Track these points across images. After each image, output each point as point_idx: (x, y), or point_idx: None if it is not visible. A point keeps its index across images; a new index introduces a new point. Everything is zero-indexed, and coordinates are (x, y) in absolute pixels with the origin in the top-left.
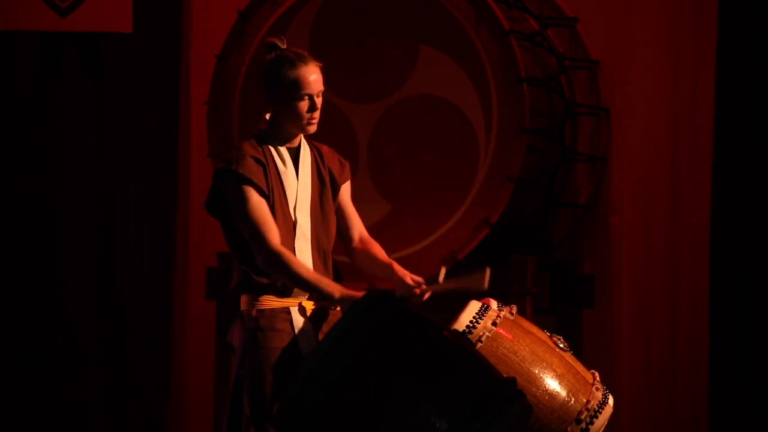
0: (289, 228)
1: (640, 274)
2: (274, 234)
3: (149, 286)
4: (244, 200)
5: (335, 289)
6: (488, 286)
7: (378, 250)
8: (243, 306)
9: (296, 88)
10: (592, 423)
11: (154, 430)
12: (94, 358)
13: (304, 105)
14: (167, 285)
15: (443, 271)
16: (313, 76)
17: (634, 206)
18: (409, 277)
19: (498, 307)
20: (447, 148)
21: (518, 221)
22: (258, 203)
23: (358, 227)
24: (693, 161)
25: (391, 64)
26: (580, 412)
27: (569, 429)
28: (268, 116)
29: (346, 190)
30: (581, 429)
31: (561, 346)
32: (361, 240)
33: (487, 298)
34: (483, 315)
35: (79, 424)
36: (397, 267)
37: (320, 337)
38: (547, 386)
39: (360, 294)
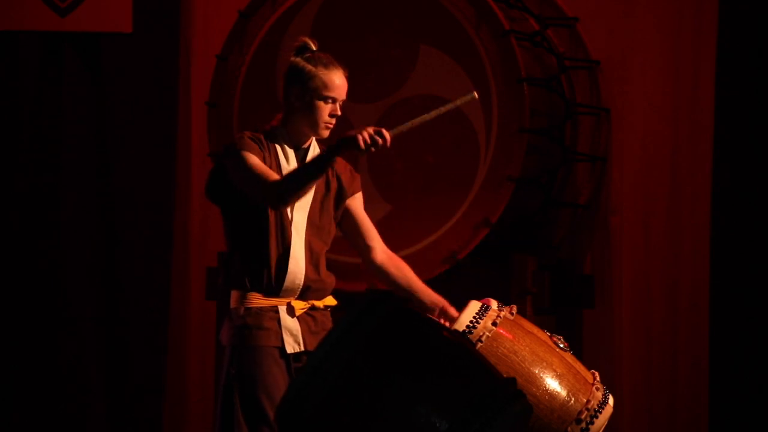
0: (285, 225)
1: (640, 274)
2: (273, 175)
3: (149, 286)
4: (243, 159)
5: (329, 147)
6: (477, 94)
7: (399, 274)
8: (232, 303)
9: (324, 89)
10: (592, 423)
11: (154, 430)
12: (94, 358)
13: (327, 108)
14: (167, 285)
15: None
16: (341, 81)
17: (634, 206)
18: (440, 302)
19: (498, 307)
20: (447, 148)
21: (518, 221)
22: (257, 161)
23: (378, 242)
24: (693, 161)
25: (391, 64)
26: (580, 412)
27: (569, 429)
28: (279, 115)
29: (357, 203)
30: (581, 429)
31: (561, 346)
32: (382, 254)
33: (487, 298)
34: (483, 315)
35: (79, 424)
36: (423, 292)
37: (308, 337)
38: (547, 386)
39: (355, 132)
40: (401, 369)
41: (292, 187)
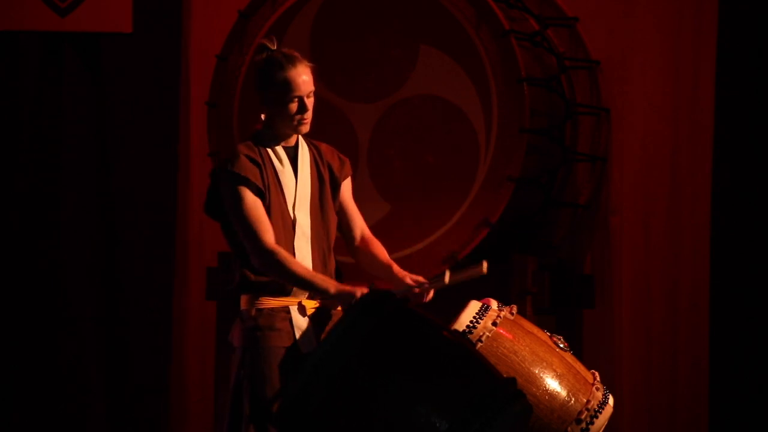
0: (288, 227)
1: (640, 274)
2: (268, 234)
3: (149, 286)
4: (239, 200)
5: (331, 285)
6: (488, 271)
7: (379, 250)
8: (243, 305)
9: (286, 90)
10: (592, 423)
11: (154, 430)
12: (94, 358)
13: (294, 106)
14: (167, 285)
15: (447, 273)
16: (302, 78)
17: (634, 206)
18: (408, 278)
19: (498, 307)
20: (447, 148)
21: (518, 221)
22: (253, 203)
23: (359, 225)
24: (693, 161)
25: (391, 64)
26: (580, 412)
27: (569, 429)
28: (263, 117)
29: (347, 188)
30: (581, 429)
31: (561, 346)
32: (363, 239)
33: (487, 298)
34: (483, 315)
35: (79, 424)
36: (396, 268)
37: (320, 336)
38: (547, 386)
39: (356, 289)
40: (401, 369)
41: (275, 273)
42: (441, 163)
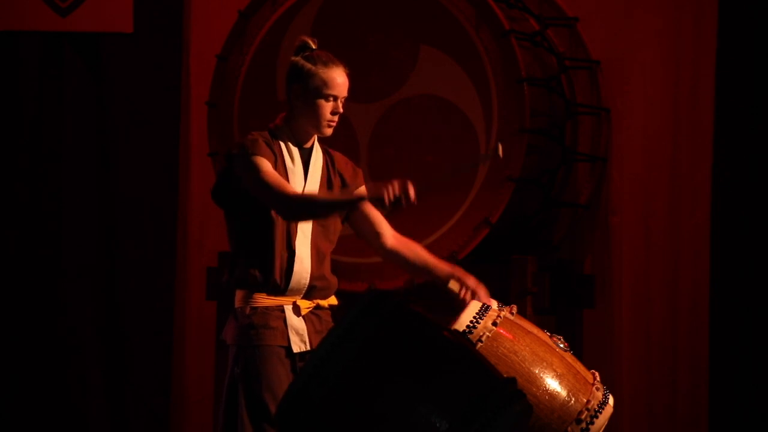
0: (291, 225)
1: (640, 274)
2: (288, 186)
3: (149, 287)
4: (257, 169)
5: (359, 192)
6: (503, 154)
7: (412, 255)
8: (237, 303)
9: (324, 87)
10: (592, 423)
11: (154, 429)
12: (94, 358)
13: (329, 106)
14: (167, 285)
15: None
16: (342, 79)
17: (634, 206)
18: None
19: (498, 307)
20: (447, 148)
21: (518, 221)
22: (270, 169)
23: (386, 228)
24: (693, 161)
25: (391, 64)
26: (581, 412)
27: (569, 429)
28: (283, 115)
29: None
30: (581, 429)
31: (561, 346)
32: (392, 239)
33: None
34: (483, 315)
35: (79, 424)
36: (437, 268)
37: (313, 336)
38: (547, 386)
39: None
40: (401, 369)
41: (306, 212)
42: (441, 163)
